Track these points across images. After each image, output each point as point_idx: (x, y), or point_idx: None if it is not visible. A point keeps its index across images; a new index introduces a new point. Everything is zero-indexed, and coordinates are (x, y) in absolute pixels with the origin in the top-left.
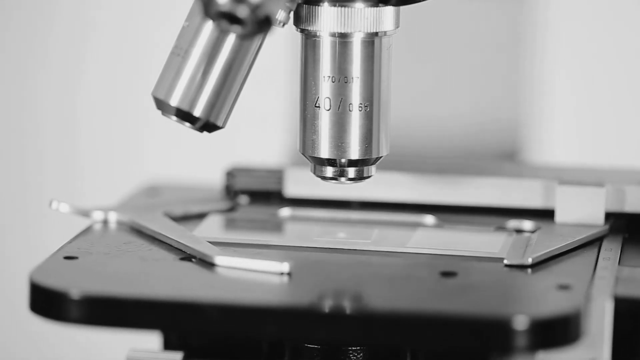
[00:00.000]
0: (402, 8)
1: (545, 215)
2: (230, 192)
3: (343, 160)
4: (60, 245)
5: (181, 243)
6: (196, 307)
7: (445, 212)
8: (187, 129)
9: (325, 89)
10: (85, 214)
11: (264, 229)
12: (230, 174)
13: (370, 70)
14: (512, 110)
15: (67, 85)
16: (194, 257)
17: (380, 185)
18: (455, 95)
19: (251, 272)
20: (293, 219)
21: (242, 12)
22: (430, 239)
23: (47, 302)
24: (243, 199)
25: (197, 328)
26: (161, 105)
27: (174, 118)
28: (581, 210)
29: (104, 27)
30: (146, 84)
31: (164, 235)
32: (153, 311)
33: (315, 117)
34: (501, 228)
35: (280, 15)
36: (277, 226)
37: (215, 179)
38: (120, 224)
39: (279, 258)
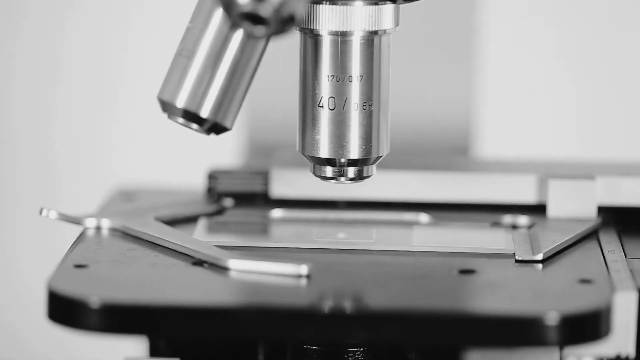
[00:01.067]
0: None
1: (532, 210)
2: (214, 195)
3: (343, 160)
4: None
5: (189, 248)
6: (229, 312)
7: (433, 209)
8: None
9: (329, 89)
10: (78, 221)
11: (262, 231)
12: (213, 177)
13: (373, 68)
14: (463, 106)
15: (39, 88)
16: (206, 262)
17: (367, 185)
18: (404, 91)
19: (268, 275)
20: (286, 220)
21: (266, 11)
22: (432, 236)
23: (67, 310)
24: (228, 202)
25: (230, 334)
26: (167, 107)
27: (180, 120)
28: (573, 203)
29: (78, 30)
30: (114, 88)
31: (168, 241)
32: (183, 318)
33: (319, 117)
34: (496, 224)
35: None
36: (273, 228)
37: (188, 182)
38: (113, 230)
39: (288, 260)
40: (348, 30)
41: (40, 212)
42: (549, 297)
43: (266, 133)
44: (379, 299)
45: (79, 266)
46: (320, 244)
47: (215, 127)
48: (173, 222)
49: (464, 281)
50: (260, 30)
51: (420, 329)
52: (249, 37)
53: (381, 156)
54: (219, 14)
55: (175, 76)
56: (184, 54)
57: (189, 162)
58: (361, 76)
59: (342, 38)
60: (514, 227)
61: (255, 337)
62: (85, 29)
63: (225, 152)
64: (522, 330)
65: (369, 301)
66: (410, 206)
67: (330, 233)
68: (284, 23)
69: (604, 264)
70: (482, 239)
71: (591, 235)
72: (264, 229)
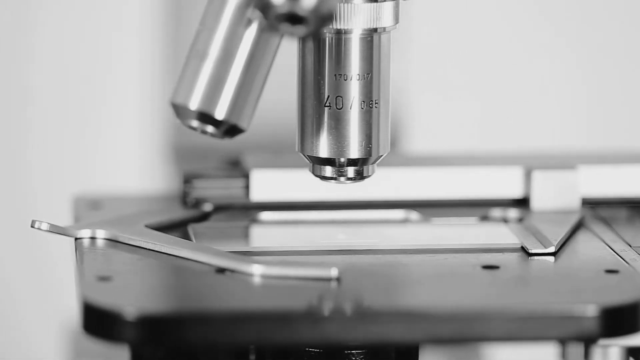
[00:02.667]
0: None
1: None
2: (192, 200)
3: (342, 160)
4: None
5: (210, 256)
6: (274, 318)
7: (410, 207)
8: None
9: (337, 88)
10: (70, 233)
11: (260, 235)
12: (189, 182)
13: (380, 66)
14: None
15: None
16: (229, 269)
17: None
18: None
19: (297, 280)
20: (278, 223)
21: (304, 10)
22: (434, 234)
23: (104, 323)
24: (207, 206)
25: (273, 340)
26: (181, 111)
27: (195, 124)
28: (557, 195)
29: (41, 40)
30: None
31: (179, 249)
32: (228, 327)
33: (325, 116)
34: (485, 218)
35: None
36: (269, 231)
37: (142, 188)
38: (110, 241)
39: (316, 264)
40: (353, 28)
41: (32, 225)
42: (588, 290)
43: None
44: (426, 298)
45: (103, 278)
46: (327, 245)
47: (232, 129)
48: (161, 230)
49: (493, 277)
50: (300, 30)
51: (480, 327)
52: (287, 38)
53: (382, 155)
54: (229, 12)
55: (187, 78)
56: (196, 55)
57: (125, 167)
58: (368, 74)
59: (346, 36)
60: (505, 220)
61: (301, 342)
62: (49, 37)
63: (153, 156)
64: (571, 324)
65: (419, 301)
66: (389, 205)
67: (329, 234)
68: (323, 21)
69: (615, 254)
70: (485, 234)
71: (580, 226)
72: (260, 232)
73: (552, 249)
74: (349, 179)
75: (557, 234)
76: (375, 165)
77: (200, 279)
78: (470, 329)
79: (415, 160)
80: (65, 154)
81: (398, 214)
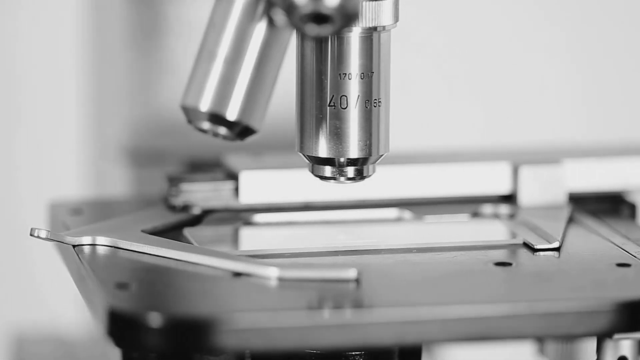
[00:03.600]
0: None
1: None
2: (179, 204)
3: (342, 160)
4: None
5: (225, 260)
6: (318, 321)
7: (401, 205)
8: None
9: (341, 87)
10: (69, 241)
11: (260, 237)
12: (175, 186)
13: (380, 64)
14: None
15: None
16: (246, 273)
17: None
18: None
19: (316, 282)
20: (275, 225)
21: (328, 8)
22: (433, 232)
23: (130, 330)
24: (196, 209)
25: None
26: (191, 114)
27: (206, 126)
28: (544, 190)
29: None
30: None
31: (192, 255)
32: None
33: (329, 116)
34: (476, 214)
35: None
36: (270, 233)
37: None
38: (111, 247)
39: (335, 266)
40: (354, 27)
41: (32, 233)
42: (609, 284)
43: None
44: (453, 297)
45: (121, 285)
46: (332, 247)
47: (245, 131)
48: (157, 235)
49: (509, 274)
50: (326, 29)
51: (512, 325)
52: (313, 39)
53: (382, 155)
54: (238, 11)
55: (197, 80)
56: (205, 56)
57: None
58: (371, 73)
59: (348, 35)
60: (497, 216)
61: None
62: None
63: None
64: (601, 319)
65: (448, 301)
66: (377, 204)
67: (329, 235)
68: (348, 18)
69: (619, 247)
70: (484, 231)
71: (570, 220)
72: (260, 235)
73: (556, 244)
74: (349, 178)
75: (556, 229)
76: (375, 164)
77: (219, 283)
78: (501, 327)
79: (401, 158)
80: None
81: (391, 212)
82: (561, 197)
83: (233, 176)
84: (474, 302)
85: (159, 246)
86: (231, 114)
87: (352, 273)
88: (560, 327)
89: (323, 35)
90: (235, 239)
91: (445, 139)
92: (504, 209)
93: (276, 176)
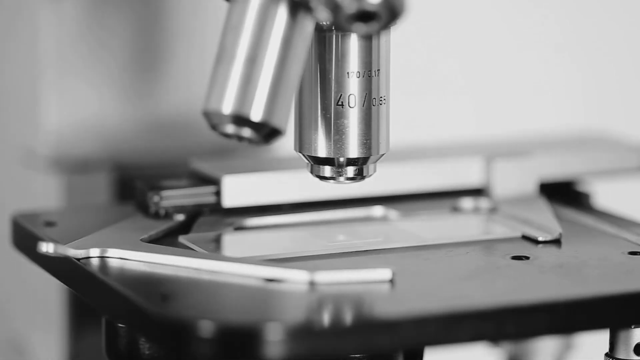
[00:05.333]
0: None
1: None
2: (159, 211)
3: (342, 159)
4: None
5: (255, 267)
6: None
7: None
8: None
9: (350, 86)
10: (78, 254)
11: (263, 241)
12: (156, 193)
13: (379, 62)
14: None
15: None
16: (278, 279)
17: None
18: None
19: (351, 284)
20: (270, 227)
21: (373, 4)
22: (431, 228)
23: (182, 339)
24: (179, 216)
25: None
26: (214, 118)
27: (231, 129)
28: (517, 181)
29: None
30: None
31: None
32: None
33: (338, 115)
34: (456, 209)
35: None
36: (270, 237)
37: None
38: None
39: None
40: None
41: (40, 249)
42: (636, 272)
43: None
44: (499, 292)
45: (164, 297)
46: (341, 247)
47: (271, 132)
48: (155, 242)
49: (534, 267)
50: (373, 26)
51: (567, 316)
52: (362, 37)
53: (383, 154)
54: (254, 11)
55: (217, 83)
56: (225, 58)
57: None
58: (378, 70)
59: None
60: (477, 210)
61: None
62: None
63: None
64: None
65: (497, 296)
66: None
67: (329, 236)
68: (394, 13)
69: (614, 236)
70: (476, 225)
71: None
72: (261, 239)
73: (558, 236)
74: (349, 178)
75: (549, 221)
76: (375, 164)
77: (254, 290)
78: (556, 319)
79: None
80: None
81: (377, 210)
82: (532, 187)
83: (210, 181)
84: (520, 297)
85: (182, 256)
86: (255, 115)
87: (387, 274)
88: (606, 317)
89: (371, 34)
90: (240, 244)
91: (433, 134)
92: (484, 202)
93: (258, 179)
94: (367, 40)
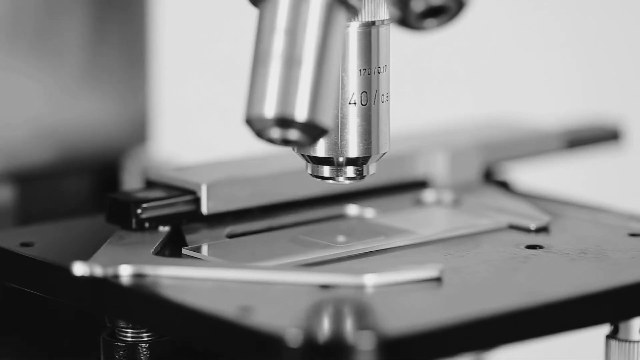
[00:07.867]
0: None
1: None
2: (141, 222)
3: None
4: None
5: (307, 274)
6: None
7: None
8: None
9: (361, 83)
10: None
11: (266, 246)
12: (137, 206)
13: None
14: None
15: None
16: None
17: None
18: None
19: (401, 285)
20: (264, 231)
21: None
22: (424, 223)
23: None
24: (165, 227)
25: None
26: (258, 125)
27: (276, 133)
28: (458, 170)
29: None
30: None
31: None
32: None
33: (347, 114)
34: (420, 202)
35: None
36: (271, 240)
37: None
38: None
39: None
40: (374, 20)
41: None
42: None
43: None
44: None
45: (244, 309)
46: (344, 249)
47: (318, 132)
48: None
49: (551, 258)
50: (444, 18)
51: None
52: (432, 33)
53: (385, 152)
54: (284, 11)
55: (257, 88)
56: (261, 62)
57: None
58: (385, 66)
59: (368, 29)
60: (440, 202)
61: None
62: None
63: None
64: None
65: (540, 291)
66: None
67: (328, 237)
68: (462, 3)
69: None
70: (457, 218)
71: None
72: (262, 243)
73: (547, 223)
74: (349, 178)
75: (526, 208)
76: (375, 163)
77: (313, 297)
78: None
79: None
80: None
81: (351, 209)
82: (474, 174)
83: (186, 190)
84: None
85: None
86: (300, 114)
87: (436, 271)
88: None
89: (442, 27)
90: (245, 251)
91: None
92: (447, 195)
93: (237, 185)
94: (368, 38)
